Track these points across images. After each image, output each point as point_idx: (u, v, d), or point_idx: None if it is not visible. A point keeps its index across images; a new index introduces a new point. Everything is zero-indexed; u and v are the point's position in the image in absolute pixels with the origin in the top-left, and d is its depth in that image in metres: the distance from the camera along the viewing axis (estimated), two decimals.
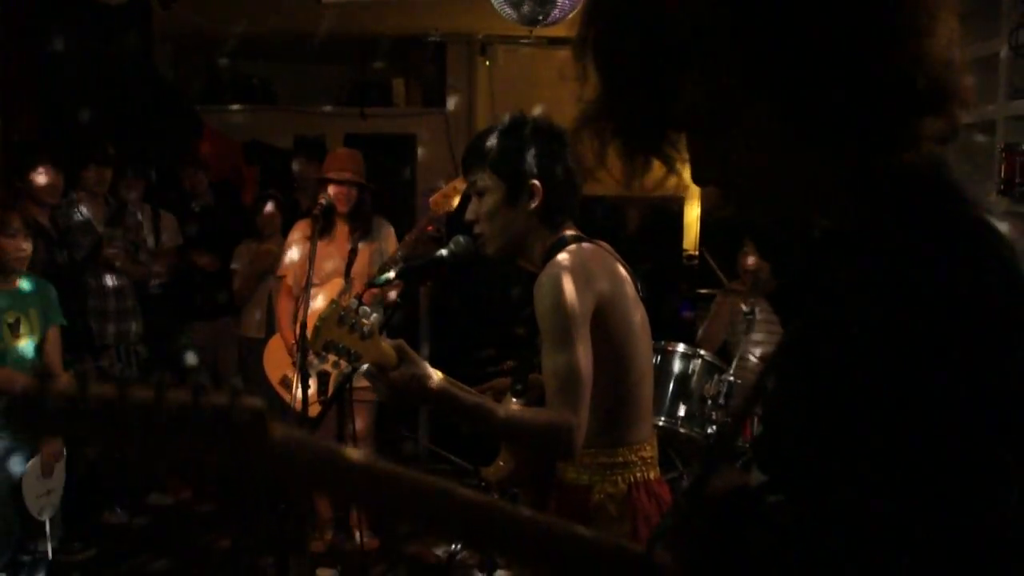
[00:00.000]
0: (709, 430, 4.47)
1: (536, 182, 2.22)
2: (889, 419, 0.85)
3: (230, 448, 0.97)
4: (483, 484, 4.44)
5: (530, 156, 2.23)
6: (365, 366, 1.97)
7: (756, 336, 4.86)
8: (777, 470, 1.04)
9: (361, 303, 1.96)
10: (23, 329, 3.78)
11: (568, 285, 2.07)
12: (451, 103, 8.85)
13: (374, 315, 1.96)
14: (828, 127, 0.94)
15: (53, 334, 3.97)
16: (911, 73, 0.91)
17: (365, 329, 1.93)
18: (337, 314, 1.91)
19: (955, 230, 0.91)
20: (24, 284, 3.84)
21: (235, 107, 8.86)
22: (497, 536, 1.12)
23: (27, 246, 3.77)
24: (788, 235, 1.12)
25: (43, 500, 3.85)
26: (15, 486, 3.75)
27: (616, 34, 0.98)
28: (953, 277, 0.86)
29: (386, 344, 1.97)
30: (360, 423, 4.75)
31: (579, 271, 2.11)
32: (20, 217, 3.79)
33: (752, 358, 4.88)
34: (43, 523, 3.87)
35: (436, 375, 2.01)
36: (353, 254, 4.70)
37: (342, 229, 4.75)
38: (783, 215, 1.09)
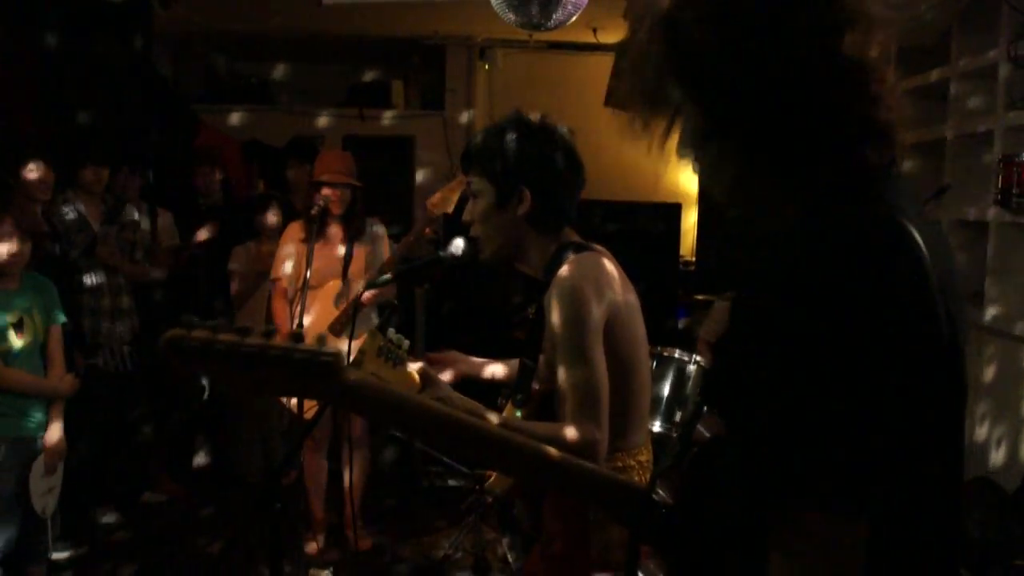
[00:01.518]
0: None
1: (524, 188, 2.20)
2: (787, 352, 1.09)
3: (315, 383, 1.33)
4: (484, 495, 4.46)
5: (520, 162, 2.21)
6: None
7: None
8: (716, 403, 1.34)
9: (386, 320, 1.98)
10: (26, 329, 3.78)
11: (583, 298, 2.07)
12: (450, 106, 8.86)
13: (406, 342, 1.96)
14: (785, 162, 1.22)
15: (55, 332, 3.97)
16: (868, 116, 1.19)
17: (398, 358, 1.95)
18: (377, 346, 1.93)
19: (861, 226, 1.12)
20: (26, 284, 3.84)
21: (233, 107, 8.86)
22: (522, 466, 1.48)
23: (20, 247, 3.76)
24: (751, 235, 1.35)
25: (46, 498, 3.86)
26: (20, 485, 3.75)
27: (641, 65, 1.29)
28: (841, 252, 1.09)
29: (412, 370, 1.99)
30: (357, 425, 4.75)
31: (592, 283, 2.11)
32: (12, 219, 3.78)
33: None
34: (45, 520, 3.88)
35: (458, 398, 2.03)
36: (348, 256, 4.71)
37: (336, 231, 4.74)
38: (747, 218, 1.34)
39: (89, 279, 5.00)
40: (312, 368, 1.30)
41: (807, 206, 1.19)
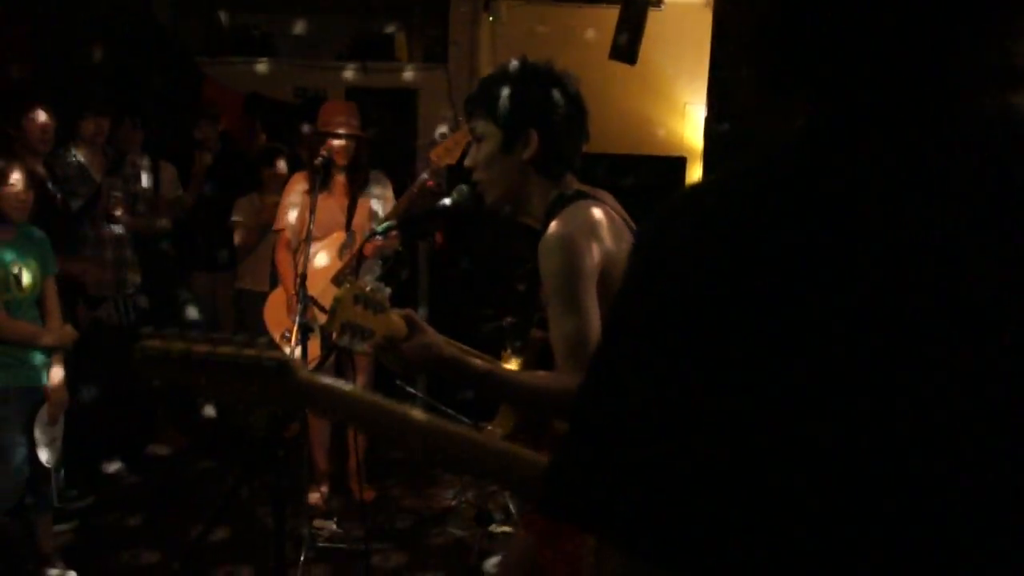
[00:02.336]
0: None
1: (531, 130, 2.18)
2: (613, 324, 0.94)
3: (263, 386, 1.39)
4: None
5: (527, 103, 2.18)
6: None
7: None
8: None
9: (390, 272, 1.96)
10: (25, 279, 3.77)
11: (576, 246, 2.03)
12: (453, 59, 8.79)
13: (387, 289, 1.93)
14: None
15: (50, 284, 3.96)
16: None
17: (378, 304, 1.91)
18: (352, 294, 1.88)
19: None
20: (21, 234, 3.83)
21: (235, 59, 8.80)
22: (453, 456, 1.54)
23: (27, 196, 3.75)
24: None
25: (49, 448, 3.88)
26: (27, 435, 3.77)
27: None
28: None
29: (396, 316, 1.95)
30: (360, 378, 4.76)
31: (586, 231, 2.07)
32: (21, 166, 3.76)
33: None
34: (48, 470, 3.90)
35: (445, 343, 1.99)
36: (352, 207, 4.70)
37: (340, 182, 4.73)
38: None
39: (107, 231, 4.99)
40: (261, 372, 1.37)
41: None
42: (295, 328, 4.02)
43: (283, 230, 4.75)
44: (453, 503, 4.92)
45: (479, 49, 8.81)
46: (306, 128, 5.01)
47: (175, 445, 5.77)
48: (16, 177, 3.69)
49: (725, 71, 6.11)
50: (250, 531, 4.56)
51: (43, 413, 3.86)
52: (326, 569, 4.26)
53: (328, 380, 1.50)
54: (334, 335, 1.89)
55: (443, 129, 7.66)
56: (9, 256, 3.71)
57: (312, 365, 4.06)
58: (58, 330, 3.94)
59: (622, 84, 7.79)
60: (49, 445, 3.87)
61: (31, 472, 3.83)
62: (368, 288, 1.90)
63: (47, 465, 3.87)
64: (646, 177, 6.83)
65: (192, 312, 6.02)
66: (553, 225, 2.10)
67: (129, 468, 5.39)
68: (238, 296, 5.85)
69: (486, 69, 8.55)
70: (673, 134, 8.78)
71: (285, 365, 1.39)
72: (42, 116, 4.58)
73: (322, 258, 4.58)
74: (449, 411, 5.09)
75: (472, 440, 1.56)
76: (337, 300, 1.88)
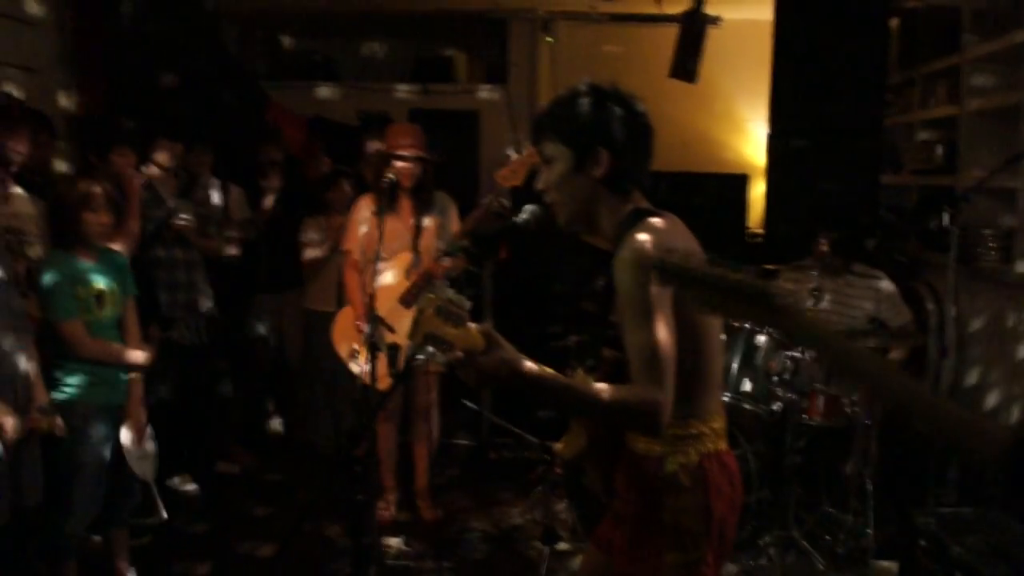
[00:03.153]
0: (774, 407, 4.46)
1: (602, 149, 2.22)
2: None
3: (770, 316, 1.63)
4: (553, 460, 4.49)
5: (596, 123, 2.22)
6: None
7: (823, 313, 4.84)
8: None
9: (458, 292, 1.97)
10: (107, 301, 3.87)
11: (649, 261, 2.06)
12: (513, 80, 8.86)
13: (468, 302, 1.96)
14: None
15: (130, 306, 4.07)
16: None
17: (458, 318, 1.93)
18: (435, 306, 1.92)
19: None
20: (103, 257, 3.93)
21: (298, 84, 8.96)
22: None
23: (108, 219, 3.86)
24: None
25: (141, 464, 3.99)
26: (109, 451, 3.86)
27: None
28: None
29: (474, 329, 1.97)
30: (431, 394, 4.81)
31: (660, 247, 2.09)
32: (104, 190, 3.87)
33: None
34: (129, 486, 4.02)
35: (524, 360, 2.01)
36: (418, 228, 4.75)
37: (406, 203, 4.79)
38: None
39: (179, 253, 5.11)
40: (755, 298, 1.62)
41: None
42: (364, 346, 4.08)
43: (350, 251, 4.83)
44: (519, 522, 4.93)
45: (538, 70, 8.88)
46: (373, 147, 5.02)
47: (243, 463, 5.85)
48: (100, 202, 3.80)
49: (786, 88, 6.09)
50: (320, 548, 4.62)
51: (126, 432, 3.96)
52: None
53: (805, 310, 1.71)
54: (417, 346, 1.93)
55: (509, 151, 7.72)
56: (92, 278, 3.81)
57: (385, 386, 4.13)
58: (138, 351, 4.05)
59: (683, 103, 7.80)
60: (141, 460, 3.98)
61: (109, 488, 3.92)
62: (450, 300, 1.93)
63: (145, 479, 3.97)
64: (708, 195, 6.82)
65: (261, 332, 6.12)
66: (631, 239, 2.13)
67: (199, 486, 5.48)
68: (305, 317, 5.93)
69: (546, 89, 8.62)
70: (734, 151, 8.76)
71: (768, 294, 1.60)
72: (126, 152, 4.75)
73: (389, 278, 4.64)
74: (515, 429, 5.13)
75: None
76: (421, 312, 1.92)
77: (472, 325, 1.97)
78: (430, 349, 1.92)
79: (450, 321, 1.92)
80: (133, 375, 4.00)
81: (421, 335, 1.92)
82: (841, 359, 1.75)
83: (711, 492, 2.20)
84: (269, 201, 5.87)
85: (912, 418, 1.67)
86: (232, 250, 5.65)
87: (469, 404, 5.07)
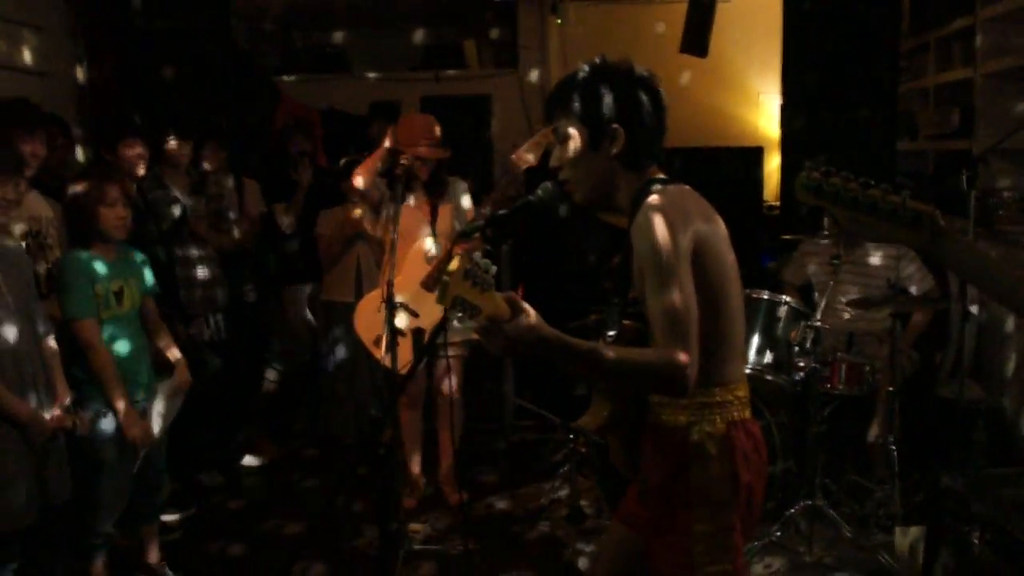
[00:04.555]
0: (796, 377, 4.46)
1: (617, 126, 2.22)
2: None
3: (910, 233, 1.72)
4: (576, 439, 4.49)
5: (610, 100, 2.22)
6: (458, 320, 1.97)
7: (843, 281, 4.82)
8: None
9: (483, 256, 1.95)
10: (126, 297, 3.90)
11: (668, 224, 2.07)
12: (523, 63, 8.86)
13: (493, 267, 1.92)
14: None
15: (151, 303, 4.09)
16: None
17: (485, 283, 1.91)
18: (463, 268, 1.88)
19: None
20: (120, 254, 3.96)
21: (310, 77, 8.98)
22: None
23: (126, 213, 3.88)
24: None
25: (159, 419, 4.00)
26: (133, 452, 3.89)
27: None
28: None
29: (499, 297, 1.94)
30: (454, 379, 4.81)
31: (676, 210, 2.11)
32: (119, 186, 3.89)
33: (839, 304, 4.84)
34: (158, 484, 4.10)
35: (548, 327, 1.98)
36: (435, 213, 4.76)
37: (421, 190, 4.79)
38: None
39: (195, 250, 5.14)
40: (910, 222, 1.70)
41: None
42: (385, 333, 4.09)
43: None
44: (545, 503, 4.95)
45: (549, 52, 8.86)
46: (387, 142, 4.99)
47: (270, 455, 5.89)
48: (115, 196, 3.83)
49: (798, 59, 6.07)
50: (348, 538, 4.66)
51: (167, 385, 4.01)
52: (423, 570, 4.33)
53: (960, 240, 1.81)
54: (446, 309, 1.91)
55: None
56: (111, 274, 3.84)
57: (406, 369, 4.15)
58: (169, 347, 4.09)
59: (694, 77, 7.78)
60: (160, 416, 4.00)
61: (138, 485, 3.95)
62: (478, 264, 1.90)
63: (155, 432, 3.97)
64: (724, 169, 6.79)
65: (279, 326, 6.15)
66: (648, 203, 2.13)
67: (226, 480, 5.52)
68: (324, 307, 5.96)
69: (557, 71, 8.60)
70: (748, 124, 8.72)
71: (931, 216, 1.70)
72: (137, 144, 4.78)
73: (409, 264, 4.65)
74: (538, 410, 5.15)
75: None
76: (449, 274, 1.88)
77: (496, 293, 1.95)
78: (458, 312, 1.90)
79: (477, 286, 1.91)
80: (178, 360, 4.08)
81: (450, 298, 1.88)
82: (1001, 285, 1.79)
83: (738, 460, 2.20)
84: (301, 195, 5.89)
85: None
86: (247, 245, 5.65)
87: (512, 396, 5.10)
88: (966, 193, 4.39)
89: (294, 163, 5.97)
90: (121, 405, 3.77)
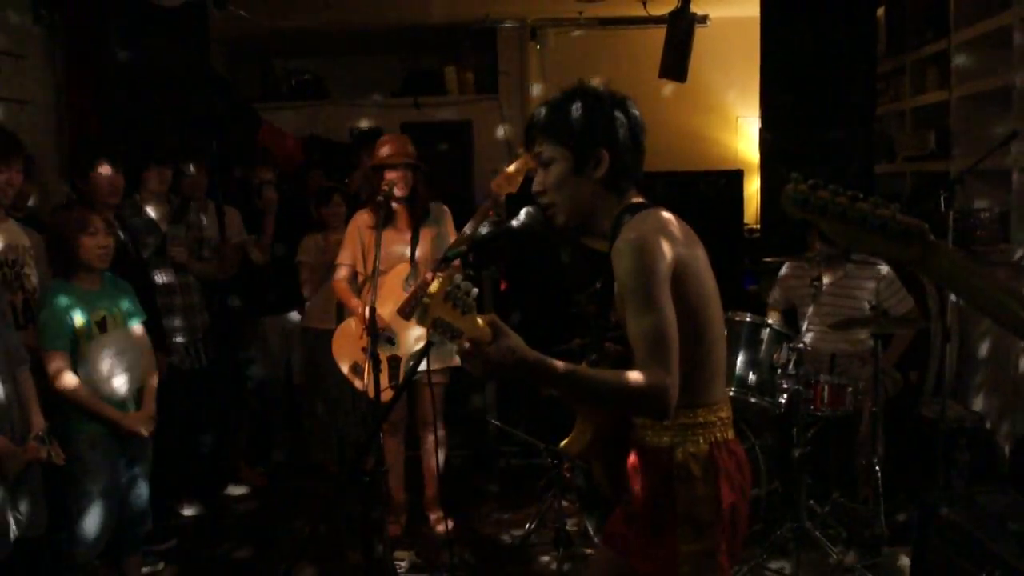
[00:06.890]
0: (780, 399, 4.46)
1: (603, 150, 2.23)
2: None
3: (899, 247, 1.68)
4: (561, 463, 4.47)
5: (594, 124, 2.23)
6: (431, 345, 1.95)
7: (824, 303, 4.84)
8: None
9: (464, 279, 1.93)
10: (110, 327, 3.87)
11: (649, 247, 2.08)
12: (504, 89, 8.89)
13: (475, 290, 1.92)
14: None
15: (138, 330, 4.06)
16: None
17: (466, 305, 1.90)
18: (445, 290, 1.88)
19: None
20: (106, 284, 3.93)
21: (290, 104, 8.98)
22: None
23: (108, 242, 3.86)
24: None
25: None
26: (118, 479, 3.85)
27: None
28: None
29: (481, 319, 1.94)
30: (435, 404, 4.79)
31: (656, 234, 2.11)
32: (99, 216, 3.87)
33: (821, 326, 4.86)
34: (141, 514, 4.03)
35: (529, 349, 1.98)
36: (415, 239, 4.75)
37: (402, 215, 4.78)
38: None
39: (175, 278, 5.10)
40: (899, 236, 1.66)
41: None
42: (366, 361, 4.07)
43: (345, 264, 4.82)
44: (531, 529, 4.92)
45: (529, 77, 8.90)
46: (364, 161, 4.98)
47: (254, 484, 5.84)
48: (97, 226, 3.80)
49: (776, 82, 6.11)
50: (333, 566, 4.61)
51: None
52: None
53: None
54: (427, 331, 1.89)
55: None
56: (94, 304, 3.81)
57: (388, 397, 4.13)
58: (150, 375, 4.06)
59: (674, 102, 7.84)
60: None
61: (122, 514, 3.91)
62: (459, 286, 1.90)
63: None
64: (704, 193, 6.82)
65: (260, 353, 6.10)
66: (628, 228, 2.14)
67: (208, 509, 5.47)
68: (305, 335, 5.93)
69: (536, 96, 8.64)
70: (728, 148, 8.78)
71: (921, 230, 1.67)
72: (108, 170, 4.60)
73: (387, 291, 4.64)
74: (522, 435, 5.12)
75: None
76: (430, 295, 1.88)
77: (478, 315, 1.94)
78: (438, 335, 1.89)
79: (458, 308, 1.90)
80: (152, 378, 4.03)
81: (430, 320, 1.88)
82: (989, 298, 1.76)
83: (722, 480, 2.20)
84: (270, 223, 5.87)
85: None
86: (227, 273, 5.61)
87: (494, 422, 5.09)
88: (944, 214, 4.42)
89: (258, 193, 5.95)
90: (108, 412, 3.78)
